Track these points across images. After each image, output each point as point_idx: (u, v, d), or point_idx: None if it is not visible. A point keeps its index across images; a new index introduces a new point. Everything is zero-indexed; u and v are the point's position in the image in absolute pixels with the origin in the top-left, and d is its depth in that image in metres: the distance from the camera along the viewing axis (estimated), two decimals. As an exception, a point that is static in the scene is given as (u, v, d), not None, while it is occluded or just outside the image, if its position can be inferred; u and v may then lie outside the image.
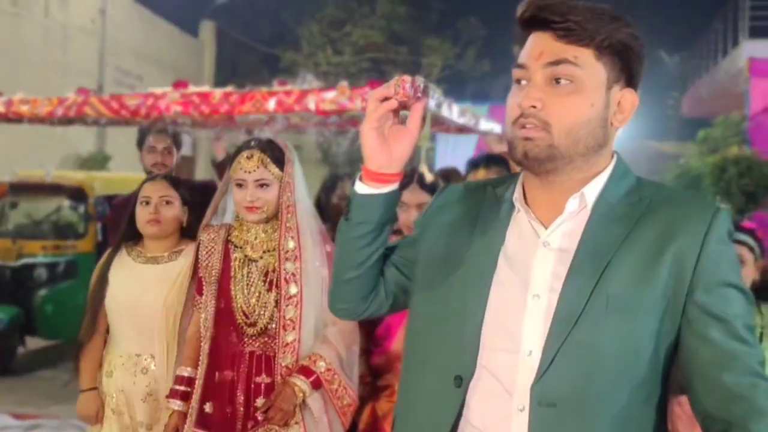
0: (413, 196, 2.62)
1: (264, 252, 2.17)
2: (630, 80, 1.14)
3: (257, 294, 2.14)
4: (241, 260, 2.18)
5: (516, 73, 1.14)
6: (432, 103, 2.70)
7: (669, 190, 1.20)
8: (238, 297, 2.15)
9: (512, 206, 1.19)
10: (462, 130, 4.02)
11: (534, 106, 1.09)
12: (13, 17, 9.84)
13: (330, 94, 2.84)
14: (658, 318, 1.07)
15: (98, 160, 10.05)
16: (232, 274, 2.18)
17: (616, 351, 1.06)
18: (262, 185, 2.13)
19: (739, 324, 1.07)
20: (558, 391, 1.07)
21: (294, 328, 2.10)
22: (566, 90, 1.09)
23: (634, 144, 18.12)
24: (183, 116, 3.34)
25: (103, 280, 2.50)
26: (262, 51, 18.17)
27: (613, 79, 1.11)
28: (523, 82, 1.13)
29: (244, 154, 2.16)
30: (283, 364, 2.09)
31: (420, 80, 1.20)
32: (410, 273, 1.31)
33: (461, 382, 1.13)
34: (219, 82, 17.06)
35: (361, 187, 1.22)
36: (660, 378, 1.10)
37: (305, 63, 16.81)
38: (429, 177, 2.62)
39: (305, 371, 2.08)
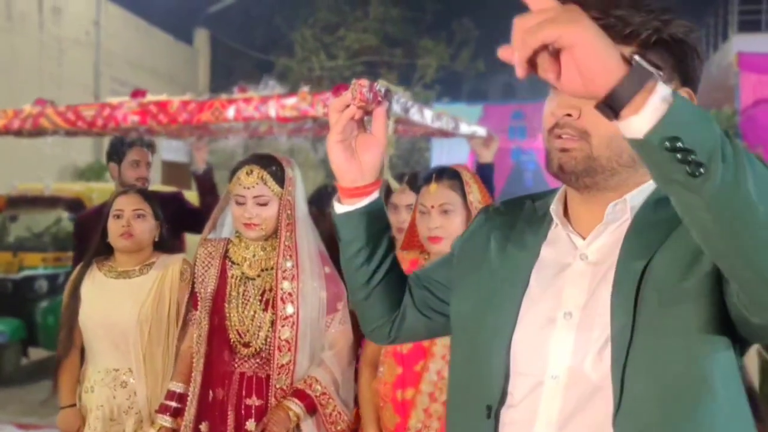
0: (403, 197, 2.62)
1: (262, 270, 2.14)
2: (686, 79, 1.00)
3: (252, 313, 2.10)
4: (238, 278, 2.14)
5: None
6: (397, 108, 2.63)
7: None
8: (232, 315, 2.11)
9: (551, 219, 1.08)
10: (446, 134, 3.97)
11: (569, 115, 0.98)
12: (8, 32, 9.94)
13: (290, 101, 2.74)
14: (711, 301, 0.93)
15: (95, 171, 10.13)
16: (228, 291, 2.14)
17: (680, 346, 0.94)
18: (261, 202, 2.10)
19: None
20: (639, 424, 0.93)
21: (289, 350, 2.05)
22: None
23: (630, 139, 18.22)
24: (140, 126, 3.29)
25: (75, 297, 2.46)
26: (256, 57, 18.26)
27: (666, 77, 0.96)
28: None
29: (244, 169, 2.13)
30: (277, 386, 2.05)
31: (379, 84, 1.17)
32: (445, 296, 1.23)
33: (490, 411, 1.04)
34: (214, 88, 17.15)
35: (339, 207, 1.18)
36: (735, 355, 0.97)
37: (299, 68, 16.89)
38: (394, 185, 2.59)
39: (300, 395, 2.03)
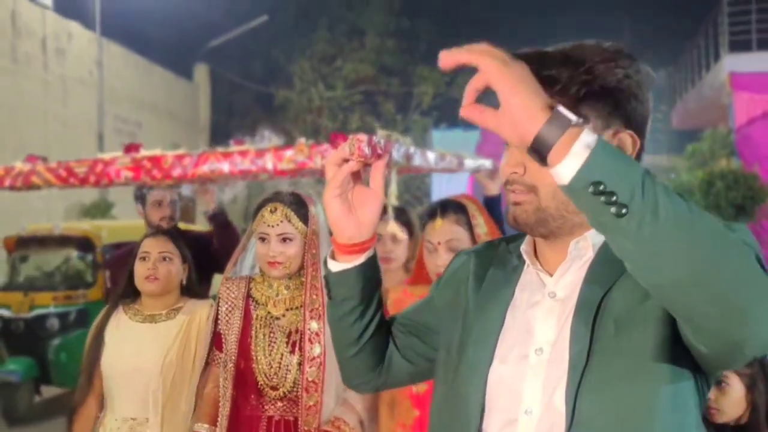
0: (403, 239, 2.58)
1: (287, 310, 2.10)
2: (628, 122, 1.02)
3: (280, 356, 2.05)
4: (263, 318, 2.10)
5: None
6: (398, 156, 2.64)
7: None
8: (260, 358, 2.06)
9: (522, 260, 1.12)
10: (452, 171, 3.95)
11: (515, 172, 1.02)
12: (13, 74, 10.11)
13: (288, 153, 2.65)
14: (669, 321, 0.95)
15: (101, 208, 10.23)
16: (253, 333, 2.09)
17: (636, 367, 0.96)
18: (285, 239, 2.07)
19: None
20: None
21: (316, 391, 2.02)
22: None
23: (627, 159, 18.36)
24: (134, 181, 3.17)
25: (98, 341, 2.38)
26: (255, 90, 18.49)
27: (602, 125, 1.00)
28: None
29: (268, 207, 2.11)
30: (305, 428, 2.02)
31: (378, 137, 1.13)
32: (430, 341, 1.23)
33: None
34: (215, 122, 17.37)
35: (334, 265, 1.15)
36: (691, 375, 0.98)
37: (299, 99, 17.12)
38: (400, 235, 2.54)
39: None
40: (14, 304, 6.24)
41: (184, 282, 2.47)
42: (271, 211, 2.10)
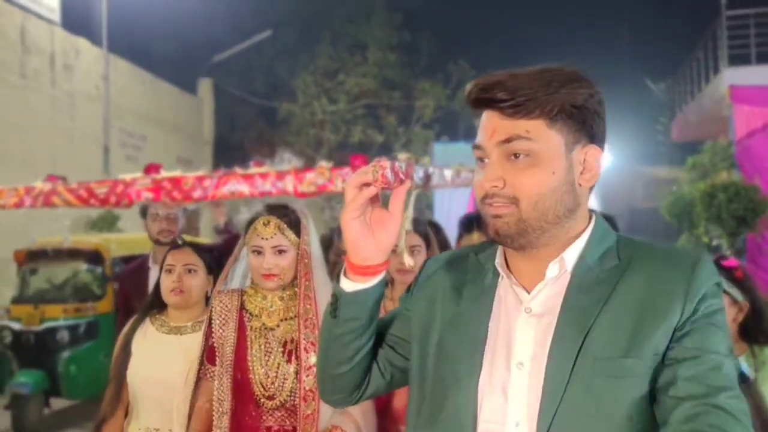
0: (407, 238, 2.45)
1: (281, 320, 2.11)
2: (591, 137, 1.11)
3: (276, 365, 2.06)
4: (258, 329, 2.11)
5: (476, 152, 1.12)
6: (417, 178, 2.61)
7: (648, 248, 1.13)
8: (256, 369, 2.07)
9: (496, 273, 1.16)
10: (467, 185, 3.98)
11: (496, 186, 1.07)
12: (22, 90, 10.23)
13: (309, 175, 2.64)
14: (648, 380, 1.02)
15: (107, 221, 10.30)
16: (249, 344, 2.10)
17: (609, 416, 1.01)
18: (279, 251, 2.09)
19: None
20: None
21: (314, 399, 2.02)
22: (525, 163, 1.06)
23: (629, 170, 18.48)
24: (155, 204, 3.15)
25: (126, 351, 2.40)
26: (259, 104, 18.63)
27: (573, 141, 1.08)
28: (486, 161, 1.11)
29: (261, 220, 2.12)
30: None
31: (400, 163, 1.14)
32: (405, 352, 1.25)
33: None
34: (218, 135, 17.49)
35: (347, 284, 1.16)
36: None
37: (302, 113, 17.24)
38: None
39: None
40: (25, 316, 6.28)
41: (209, 294, 2.45)
42: (264, 224, 2.11)
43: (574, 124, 1.08)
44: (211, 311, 2.18)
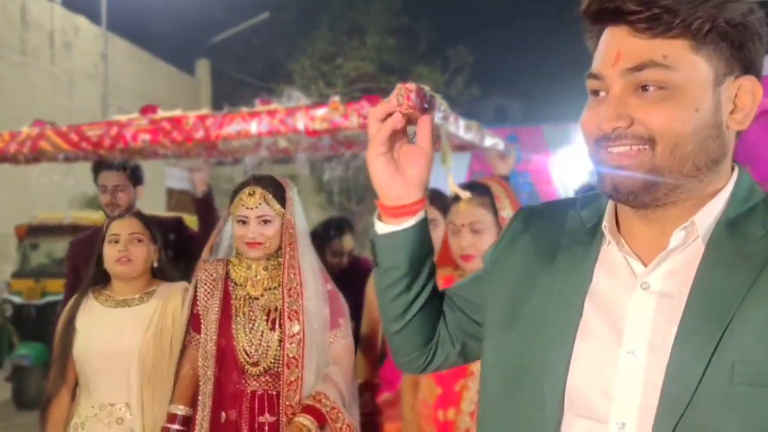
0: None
1: (265, 290, 2.14)
2: (747, 66, 0.86)
3: (260, 333, 2.09)
4: (243, 298, 2.13)
5: (589, 83, 0.88)
6: (438, 117, 2.59)
7: None
8: (240, 336, 2.09)
9: (602, 236, 0.93)
10: (462, 147, 3.53)
11: (619, 126, 0.84)
12: (21, 66, 10.28)
13: (321, 111, 2.43)
14: None
15: (106, 199, 10.37)
16: (233, 313, 2.12)
17: None
18: (264, 221, 2.11)
19: None
20: None
21: (297, 366, 2.05)
22: (657, 97, 0.83)
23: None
24: (152, 145, 2.91)
25: (70, 329, 2.30)
26: (256, 85, 18.64)
27: (723, 71, 0.84)
28: (602, 94, 0.87)
29: (246, 190, 2.14)
30: (287, 403, 2.05)
31: (426, 89, 1.03)
32: (480, 318, 1.08)
33: None
34: (216, 117, 17.48)
35: (381, 227, 1.04)
36: None
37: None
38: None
39: (310, 410, 2.04)
40: (26, 290, 6.40)
41: (155, 264, 2.40)
42: (249, 194, 2.13)
43: (728, 48, 0.83)
44: (196, 280, 2.20)
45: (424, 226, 1.05)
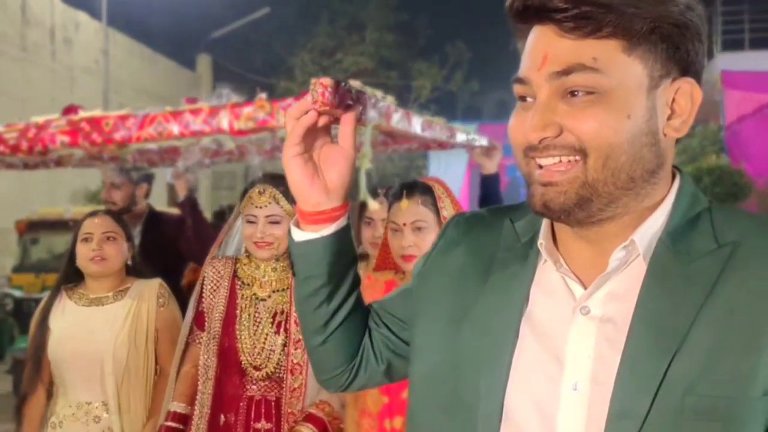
0: (380, 210, 2.38)
1: (273, 291, 2.09)
2: (686, 68, 0.77)
3: (264, 336, 2.03)
4: (249, 299, 2.09)
5: (516, 88, 0.80)
6: (375, 112, 2.32)
7: (758, 224, 0.79)
8: (243, 338, 2.05)
9: (537, 252, 0.85)
10: (443, 145, 3.39)
11: (547, 136, 0.76)
12: (22, 62, 10.35)
13: (246, 110, 2.31)
14: (762, 424, 0.71)
15: (106, 194, 10.45)
16: (238, 313, 2.07)
17: None
18: (273, 221, 2.06)
19: None
20: None
21: (301, 373, 2.00)
22: (586, 102, 0.75)
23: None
24: (71, 148, 2.72)
25: (43, 328, 2.26)
26: (256, 80, 18.68)
27: (659, 73, 0.76)
28: (529, 99, 0.79)
29: (256, 189, 2.10)
30: (289, 410, 2.00)
31: (350, 84, 0.95)
32: (406, 336, 0.99)
33: None
34: (216, 112, 17.54)
35: (297, 234, 0.96)
36: None
37: (300, 90, 17.32)
38: (373, 206, 2.33)
39: (312, 419, 1.98)
40: (26, 284, 6.49)
41: (129, 261, 2.37)
42: (259, 193, 2.08)
43: (664, 49, 0.75)
44: (203, 277, 2.16)
45: (345, 233, 0.97)
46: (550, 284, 0.83)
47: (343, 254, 0.97)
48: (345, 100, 0.92)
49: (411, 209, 1.98)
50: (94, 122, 2.64)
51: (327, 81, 0.89)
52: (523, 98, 0.80)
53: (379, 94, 2.50)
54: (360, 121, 0.97)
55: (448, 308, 0.89)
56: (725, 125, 10.85)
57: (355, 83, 1.00)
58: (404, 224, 1.98)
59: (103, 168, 3.35)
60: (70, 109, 2.79)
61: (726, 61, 11.49)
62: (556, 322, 0.81)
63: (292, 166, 0.93)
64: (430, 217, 1.98)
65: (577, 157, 0.76)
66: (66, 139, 2.69)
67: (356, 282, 1.01)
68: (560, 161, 0.77)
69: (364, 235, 2.43)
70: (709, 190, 7.58)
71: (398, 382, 1.08)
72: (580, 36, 0.74)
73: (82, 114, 2.69)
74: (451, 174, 9.21)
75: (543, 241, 0.84)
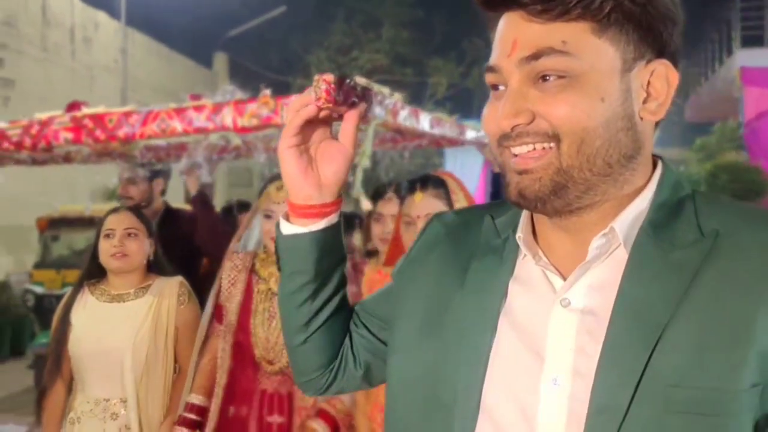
0: (389, 206, 2.39)
1: None
2: (661, 49, 0.76)
3: (278, 331, 2.02)
4: (264, 293, 2.10)
5: (488, 77, 0.79)
6: (381, 110, 2.23)
7: (742, 213, 0.77)
8: (258, 332, 2.05)
9: (516, 246, 0.83)
10: (453, 142, 3.32)
11: (519, 123, 0.75)
12: (43, 62, 10.49)
13: (250, 107, 2.26)
14: (748, 420, 0.69)
15: (125, 191, 10.56)
16: (254, 307, 2.08)
17: None
18: None
19: None
20: None
21: None
22: (558, 86, 0.73)
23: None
24: (75, 144, 2.71)
25: (64, 323, 2.27)
26: (273, 78, 18.78)
27: (632, 55, 0.74)
28: (501, 88, 0.78)
29: (274, 185, 2.11)
30: (300, 405, 2.02)
31: (355, 80, 0.91)
32: (386, 336, 0.97)
33: None
34: (233, 110, 17.67)
35: (285, 227, 0.93)
36: None
37: (315, 89, 17.39)
38: (366, 205, 2.31)
39: (324, 415, 2.00)
40: (47, 281, 6.59)
41: (151, 258, 2.37)
42: (277, 189, 2.08)
43: (635, 30, 0.74)
44: (222, 271, 2.18)
45: (335, 231, 0.95)
46: (529, 278, 0.82)
47: (331, 252, 0.95)
48: (349, 98, 0.89)
49: (425, 202, 1.98)
50: (98, 119, 2.63)
51: (330, 77, 0.86)
52: (495, 87, 0.80)
53: (386, 91, 2.46)
54: (364, 118, 0.95)
55: (426, 307, 0.88)
56: (744, 122, 10.75)
57: (360, 80, 0.98)
58: (418, 217, 1.98)
59: (120, 164, 3.38)
60: (73, 106, 2.77)
61: (745, 58, 11.37)
62: (536, 316, 0.79)
63: (287, 157, 0.91)
64: (443, 210, 1.98)
65: (551, 144, 0.74)
66: (69, 135, 2.68)
67: (342, 282, 0.99)
68: (534, 149, 0.75)
69: (374, 231, 2.44)
70: (727, 188, 7.53)
71: (378, 386, 1.04)
72: (548, 19, 0.73)
73: (85, 110, 2.65)
74: (468, 172, 9.15)
75: (521, 234, 0.82)
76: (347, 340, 1.02)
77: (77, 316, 2.28)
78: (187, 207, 3.77)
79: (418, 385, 0.84)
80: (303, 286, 0.94)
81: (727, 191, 7.54)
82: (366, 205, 2.01)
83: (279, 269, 0.97)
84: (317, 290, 0.95)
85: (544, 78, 0.74)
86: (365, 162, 1.98)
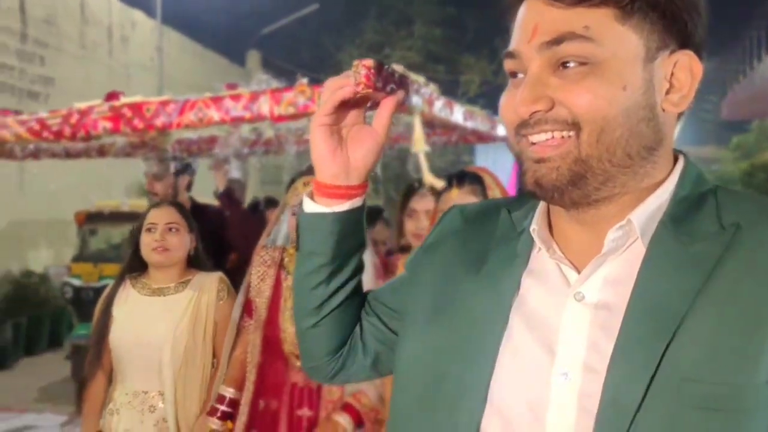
0: (423, 201, 2.40)
1: None
2: (685, 40, 0.74)
3: None
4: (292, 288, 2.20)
5: (507, 64, 0.78)
6: (418, 99, 2.15)
7: (765, 206, 0.74)
8: (286, 327, 2.06)
9: (531, 240, 0.82)
10: (483, 138, 3.27)
11: (538, 110, 0.73)
12: (81, 60, 10.72)
13: (286, 95, 2.19)
14: (766, 416, 0.66)
15: (160, 187, 10.74)
16: (282, 302, 2.09)
17: None
18: None
19: None
20: None
21: None
22: (579, 73, 0.72)
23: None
24: (113, 133, 2.70)
25: (106, 315, 2.31)
26: (305, 76, 18.88)
27: (656, 45, 0.73)
28: (520, 75, 0.77)
29: (302, 180, 2.11)
30: (327, 398, 2.04)
31: (393, 67, 0.91)
32: (396, 326, 0.96)
33: None
34: (266, 107, 17.84)
35: (309, 205, 0.92)
36: None
37: (347, 86, 17.46)
38: (438, 184, 2.27)
39: (349, 409, 2.01)
40: (84, 274, 6.73)
41: (192, 253, 2.40)
42: (305, 185, 2.08)
43: (659, 19, 0.72)
44: (251, 265, 2.20)
45: (358, 215, 0.93)
46: (543, 271, 0.80)
47: (352, 235, 0.93)
48: (388, 84, 0.88)
49: (461, 198, 1.95)
50: (136, 108, 2.66)
51: (370, 62, 0.85)
52: (514, 74, 0.78)
53: (422, 80, 2.44)
54: (402, 106, 0.94)
55: (437, 294, 0.86)
56: (783, 120, 10.53)
57: (398, 67, 0.96)
58: None
59: (146, 160, 3.48)
60: (112, 95, 2.83)
61: (785, 54, 11.14)
62: (549, 310, 0.77)
63: (318, 134, 0.89)
64: None
65: (571, 132, 0.73)
66: (108, 125, 2.70)
67: (359, 269, 0.98)
68: (553, 137, 0.74)
69: (408, 227, 2.44)
70: (764, 187, 7.39)
71: (386, 376, 1.03)
72: (570, 4, 0.72)
73: (123, 100, 2.69)
74: (498, 169, 9.11)
75: (536, 226, 0.81)
76: (357, 327, 1.01)
77: (119, 308, 2.32)
78: (214, 202, 3.87)
79: (423, 377, 0.82)
80: (320, 268, 0.93)
81: (764, 191, 7.40)
82: (438, 184, 1.91)
83: (297, 248, 0.96)
84: (333, 273, 0.94)
85: (564, 65, 0.72)
86: (422, 146, 1.88)
